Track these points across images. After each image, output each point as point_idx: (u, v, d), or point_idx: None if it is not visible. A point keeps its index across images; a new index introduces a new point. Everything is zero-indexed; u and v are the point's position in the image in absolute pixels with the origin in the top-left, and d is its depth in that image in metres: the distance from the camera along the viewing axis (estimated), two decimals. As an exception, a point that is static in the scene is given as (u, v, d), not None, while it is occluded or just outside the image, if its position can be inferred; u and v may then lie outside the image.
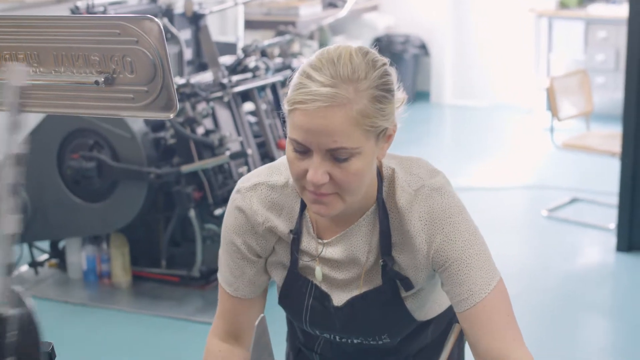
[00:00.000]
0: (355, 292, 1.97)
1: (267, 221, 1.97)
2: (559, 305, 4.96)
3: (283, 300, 2.06)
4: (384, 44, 9.14)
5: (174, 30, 5.30)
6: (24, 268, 5.28)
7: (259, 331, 1.48)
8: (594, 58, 8.73)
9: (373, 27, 9.38)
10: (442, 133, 9.15)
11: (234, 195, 2.01)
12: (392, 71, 1.81)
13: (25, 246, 5.27)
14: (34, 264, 5.22)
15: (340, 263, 1.96)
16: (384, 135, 1.80)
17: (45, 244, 5.35)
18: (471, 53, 9.66)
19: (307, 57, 1.85)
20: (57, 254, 5.28)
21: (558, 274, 5.35)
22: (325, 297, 1.99)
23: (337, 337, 2.05)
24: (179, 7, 5.58)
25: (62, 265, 5.26)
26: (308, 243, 1.97)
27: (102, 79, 1.64)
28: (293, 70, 5.71)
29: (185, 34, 5.52)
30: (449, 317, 2.17)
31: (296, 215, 1.96)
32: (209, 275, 5.03)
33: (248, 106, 5.39)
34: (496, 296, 1.87)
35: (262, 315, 1.53)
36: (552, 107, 6.12)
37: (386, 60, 1.81)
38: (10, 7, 6.27)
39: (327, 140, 1.72)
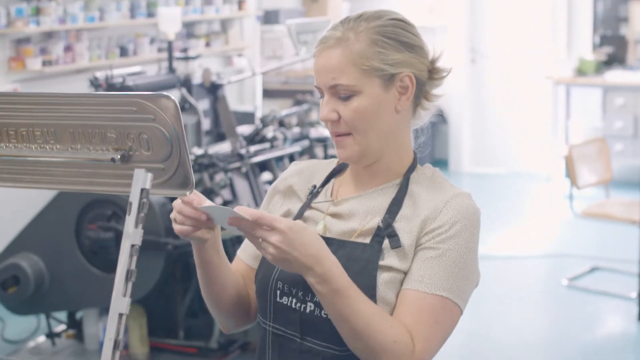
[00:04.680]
0: (344, 238, 1.96)
1: (290, 178, 2.10)
2: (581, 376, 4.89)
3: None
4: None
5: (192, 100, 5.33)
6: (41, 339, 5.25)
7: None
8: (612, 125, 8.73)
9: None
10: (460, 201, 9.10)
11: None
12: (409, 28, 1.95)
13: (42, 317, 5.25)
14: (51, 335, 5.19)
15: (342, 215, 1.98)
16: (392, 82, 1.90)
17: (62, 315, 5.33)
18: (489, 120, 9.68)
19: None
20: (75, 324, 5.26)
21: (579, 344, 5.29)
22: None
23: (286, 286, 1.94)
24: (197, 78, 5.62)
25: (79, 336, 5.23)
26: (321, 203, 2.04)
27: (119, 156, 1.63)
28: (310, 140, 5.74)
29: (203, 104, 5.55)
30: None
31: (322, 179, 2.07)
32: (227, 347, 4.99)
33: (266, 176, 5.39)
34: (438, 306, 1.85)
35: None
36: (571, 175, 6.10)
37: (401, 18, 1.96)
38: (31, 77, 6.33)
39: (328, 77, 1.89)
